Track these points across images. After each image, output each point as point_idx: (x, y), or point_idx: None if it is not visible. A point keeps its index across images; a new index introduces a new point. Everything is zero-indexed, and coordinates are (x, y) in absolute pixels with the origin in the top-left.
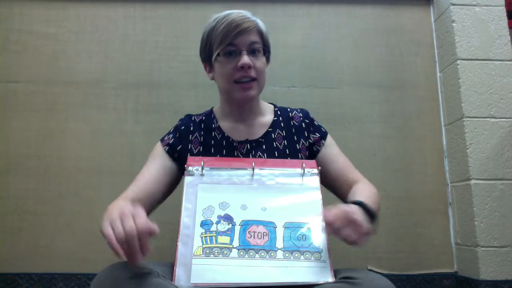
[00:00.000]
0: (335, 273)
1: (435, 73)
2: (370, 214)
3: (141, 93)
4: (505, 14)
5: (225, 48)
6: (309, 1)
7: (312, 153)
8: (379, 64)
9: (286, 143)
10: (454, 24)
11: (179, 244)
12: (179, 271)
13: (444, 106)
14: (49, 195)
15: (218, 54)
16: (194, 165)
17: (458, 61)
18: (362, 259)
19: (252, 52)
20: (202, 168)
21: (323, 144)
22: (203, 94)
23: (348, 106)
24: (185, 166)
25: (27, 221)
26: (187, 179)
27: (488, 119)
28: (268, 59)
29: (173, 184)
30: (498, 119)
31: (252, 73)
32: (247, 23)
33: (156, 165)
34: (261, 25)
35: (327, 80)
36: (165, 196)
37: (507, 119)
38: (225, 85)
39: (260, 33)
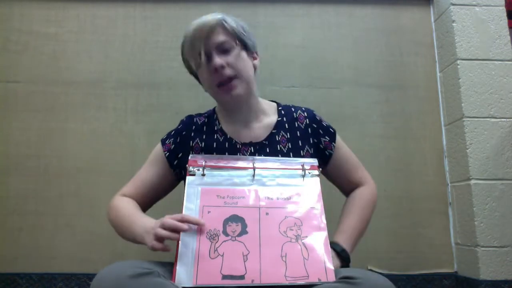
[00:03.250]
0: (335, 273)
1: (435, 73)
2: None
3: (141, 93)
4: (505, 14)
5: (196, 58)
6: (309, 1)
7: (324, 157)
8: (379, 64)
9: (290, 146)
10: (454, 24)
11: (180, 243)
12: (180, 270)
13: (444, 106)
14: (49, 195)
15: (194, 64)
16: (195, 165)
17: (458, 61)
18: (362, 259)
19: (223, 51)
20: (204, 169)
21: (334, 146)
22: (203, 94)
23: (348, 106)
24: (187, 165)
25: (27, 221)
26: (188, 179)
27: (488, 119)
28: (252, 52)
29: (167, 190)
30: (498, 119)
31: (228, 72)
32: (206, 26)
33: (154, 170)
34: (229, 21)
35: (327, 80)
36: (158, 200)
37: (507, 119)
38: (211, 92)
39: (226, 30)
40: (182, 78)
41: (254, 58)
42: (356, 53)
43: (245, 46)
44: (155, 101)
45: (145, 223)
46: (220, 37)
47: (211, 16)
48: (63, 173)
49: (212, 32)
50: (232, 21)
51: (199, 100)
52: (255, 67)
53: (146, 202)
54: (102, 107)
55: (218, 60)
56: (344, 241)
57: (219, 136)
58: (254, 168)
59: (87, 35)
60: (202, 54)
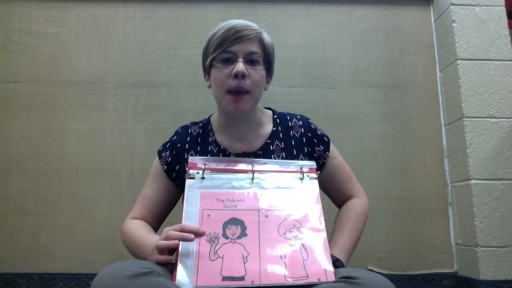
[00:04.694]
0: (335, 273)
1: (435, 73)
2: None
3: (141, 93)
4: (505, 14)
5: (221, 54)
6: (309, 1)
7: (318, 166)
8: (379, 64)
9: (284, 156)
10: (454, 24)
11: (180, 246)
12: (180, 272)
13: (444, 106)
14: (49, 195)
15: (214, 59)
16: (195, 168)
17: (458, 61)
18: (362, 259)
19: (251, 62)
20: (203, 172)
21: (327, 155)
22: (203, 94)
23: (348, 106)
24: (186, 168)
25: (27, 221)
26: (188, 182)
27: (488, 119)
28: (270, 75)
29: (173, 202)
30: (498, 119)
31: (246, 84)
32: (247, 31)
33: (157, 185)
34: (266, 37)
35: (327, 80)
36: (167, 214)
37: (507, 119)
38: (217, 94)
39: (262, 44)
40: (182, 78)
41: (267, 82)
42: (356, 53)
43: (268, 67)
44: (155, 101)
45: (151, 242)
46: (254, 47)
47: (253, 24)
48: (63, 173)
49: (249, 39)
50: (268, 39)
51: (199, 100)
52: (265, 89)
53: (158, 219)
54: (102, 107)
55: (242, 67)
56: (338, 254)
57: (213, 148)
58: (253, 172)
59: (87, 35)
60: (228, 52)
